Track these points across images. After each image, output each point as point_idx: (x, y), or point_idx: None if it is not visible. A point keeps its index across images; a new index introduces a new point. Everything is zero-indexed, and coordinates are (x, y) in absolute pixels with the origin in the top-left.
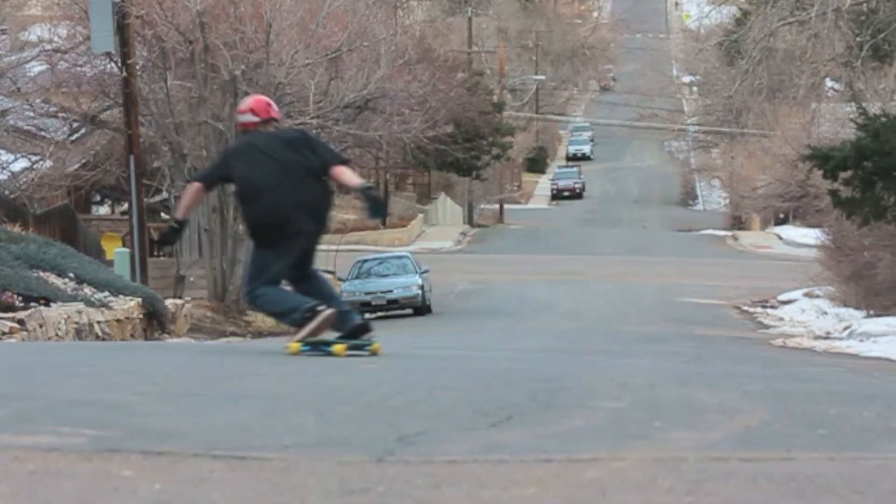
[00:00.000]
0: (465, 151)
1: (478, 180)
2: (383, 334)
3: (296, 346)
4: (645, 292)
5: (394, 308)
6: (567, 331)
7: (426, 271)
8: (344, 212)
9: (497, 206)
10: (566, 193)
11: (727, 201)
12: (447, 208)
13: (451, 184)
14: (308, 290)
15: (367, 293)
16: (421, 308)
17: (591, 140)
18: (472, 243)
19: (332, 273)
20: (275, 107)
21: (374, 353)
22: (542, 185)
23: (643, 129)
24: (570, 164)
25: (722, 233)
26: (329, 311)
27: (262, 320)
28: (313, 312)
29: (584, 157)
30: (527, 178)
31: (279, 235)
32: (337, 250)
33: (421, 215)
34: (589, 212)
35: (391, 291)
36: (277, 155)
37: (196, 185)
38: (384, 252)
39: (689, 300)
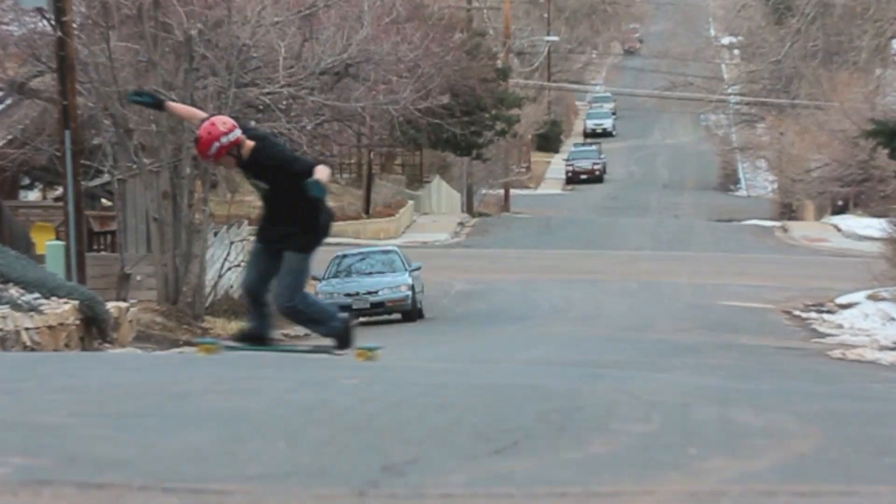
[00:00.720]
0: (463, 127)
1: (479, 161)
2: (364, 344)
3: (362, 355)
4: (677, 294)
5: (379, 312)
6: (584, 340)
7: (417, 269)
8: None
9: (501, 192)
10: (584, 176)
11: (775, 186)
12: (442, 194)
13: (446, 165)
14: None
15: (347, 294)
16: (411, 312)
17: (613, 113)
18: (472, 236)
19: None
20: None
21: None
22: (556, 166)
23: (675, 99)
24: (589, 141)
25: (769, 223)
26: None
27: (221, 327)
28: (350, 318)
29: (605, 134)
30: (537, 158)
31: (322, 240)
32: None
33: (411, 202)
34: (610, 198)
35: (376, 293)
36: None
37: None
38: (367, 246)
39: (731, 304)
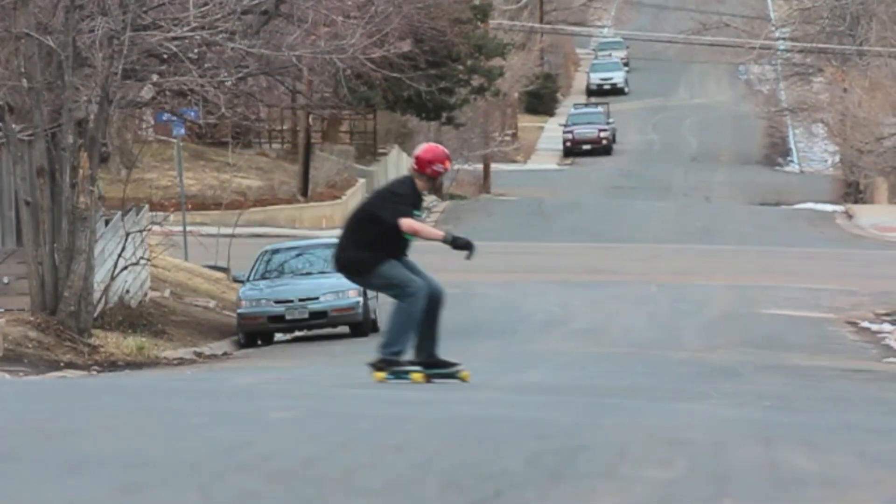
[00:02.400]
0: (430, 82)
1: (450, 127)
2: (302, 365)
3: (420, 376)
4: (709, 300)
5: (320, 324)
6: (587, 359)
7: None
8: (244, 175)
9: (480, 168)
10: (586, 147)
11: (836, 159)
12: (403, 170)
13: (408, 133)
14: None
15: (277, 302)
16: (362, 325)
17: (626, 65)
18: (442, 223)
19: (225, 270)
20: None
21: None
22: (550, 134)
23: (706, 46)
24: (593, 101)
25: (829, 207)
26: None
27: (114, 344)
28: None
29: (615, 91)
30: (526, 122)
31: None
32: (232, 235)
33: (362, 181)
34: (622, 175)
35: (316, 299)
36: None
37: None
38: (305, 238)
39: (778, 312)
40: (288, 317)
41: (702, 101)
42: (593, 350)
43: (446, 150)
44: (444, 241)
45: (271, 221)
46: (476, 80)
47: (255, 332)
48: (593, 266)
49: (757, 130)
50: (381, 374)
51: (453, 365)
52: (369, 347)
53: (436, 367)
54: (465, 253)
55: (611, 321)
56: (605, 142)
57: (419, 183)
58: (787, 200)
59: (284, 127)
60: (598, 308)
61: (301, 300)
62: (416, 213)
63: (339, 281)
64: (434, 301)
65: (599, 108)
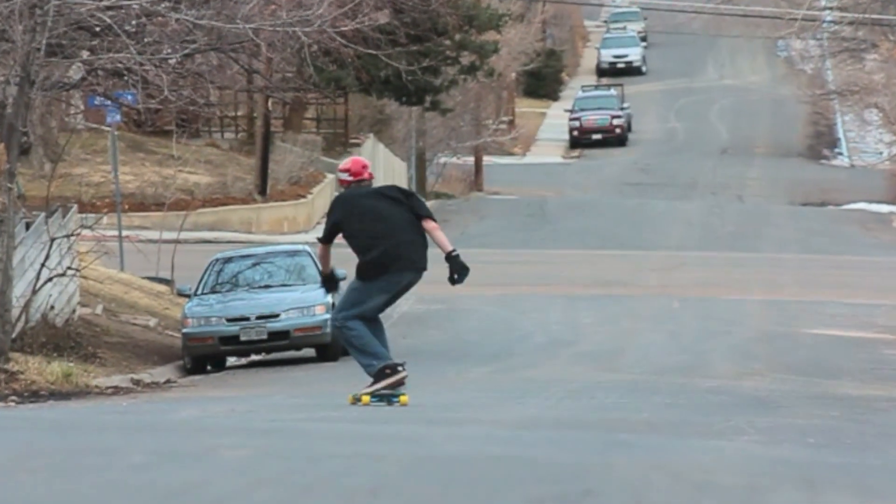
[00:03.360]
0: (411, 60)
1: (435, 113)
2: (259, 394)
3: (367, 398)
4: (741, 318)
5: (281, 346)
6: (598, 388)
7: (339, 279)
8: (191, 170)
9: (471, 161)
10: (597, 136)
11: (894, 150)
12: (379, 163)
13: (385, 120)
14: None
15: (230, 320)
16: (330, 347)
17: (643, 39)
18: None
19: (168, 283)
20: (369, 169)
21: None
22: (554, 121)
23: (738, 17)
24: (605, 82)
25: (885, 208)
26: (405, 374)
27: (36, 370)
28: (393, 370)
29: (631, 71)
30: (525, 108)
31: (385, 272)
32: (177, 241)
33: (331, 176)
34: (639, 170)
35: (276, 316)
36: (383, 209)
37: (322, 246)
38: (263, 244)
39: (824, 332)
40: (243, 337)
41: (733, 83)
42: (604, 377)
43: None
44: (452, 254)
45: (223, 225)
46: (466, 58)
47: (204, 356)
48: (604, 277)
49: (799, 117)
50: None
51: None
52: (340, 374)
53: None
54: (456, 276)
55: (625, 343)
56: (618, 130)
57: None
58: (834, 200)
59: (239, 113)
60: (609, 327)
61: (258, 318)
62: None
63: (305, 295)
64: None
65: (612, 91)
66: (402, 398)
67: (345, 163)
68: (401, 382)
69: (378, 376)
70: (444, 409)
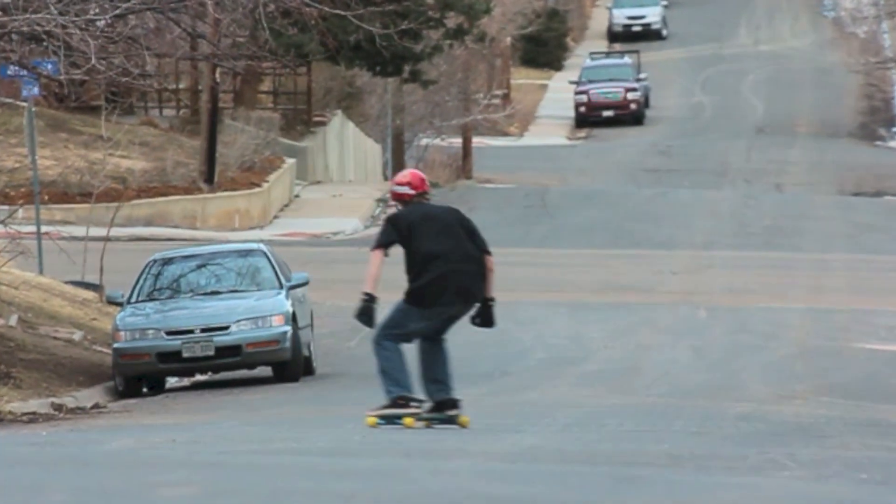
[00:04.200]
0: (386, 22)
1: (415, 85)
2: (205, 421)
3: (373, 420)
4: (780, 330)
5: (231, 364)
6: (609, 413)
7: (301, 284)
8: (124, 153)
9: (459, 142)
10: (608, 113)
11: None
12: (348, 146)
13: (356, 93)
14: (430, 360)
15: (171, 333)
16: (291, 365)
17: None
18: None
19: (96, 288)
20: (428, 182)
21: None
22: (557, 94)
23: None
24: (618, 49)
25: None
26: (413, 412)
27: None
28: (405, 405)
29: (649, 34)
30: (523, 79)
31: (434, 301)
32: (106, 238)
33: (291, 162)
34: (658, 153)
35: (225, 329)
36: (449, 230)
37: (378, 252)
38: (210, 242)
39: (879, 347)
40: (186, 354)
41: (771, 49)
42: (616, 401)
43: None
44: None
45: (162, 219)
46: (452, 20)
47: (140, 376)
48: (617, 282)
49: (849, 90)
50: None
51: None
52: (301, 396)
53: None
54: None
55: (641, 360)
56: (633, 106)
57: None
58: (891, 189)
59: (181, 86)
60: (623, 341)
61: (204, 330)
62: None
63: (260, 303)
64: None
65: (626, 59)
66: (463, 419)
67: (402, 175)
68: (407, 416)
69: (391, 402)
70: (426, 438)
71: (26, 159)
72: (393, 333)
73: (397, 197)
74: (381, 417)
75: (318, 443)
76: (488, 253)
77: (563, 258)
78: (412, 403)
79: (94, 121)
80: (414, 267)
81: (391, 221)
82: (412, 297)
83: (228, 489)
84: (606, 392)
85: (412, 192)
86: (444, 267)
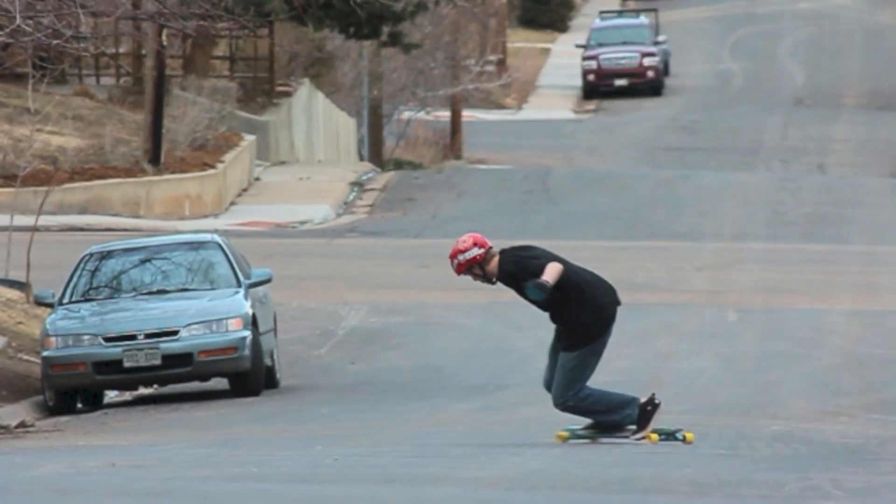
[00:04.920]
0: None
1: (395, 49)
2: (150, 442)
3: (654, 436)
4: (823, 336)
5: (181, 375)
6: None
7: (262, 282)
8: (55, 129)
9: (447, 116)
10: (621, 82)
11: None
12: (318, 121)
13: (326, 59)
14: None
15: (109, 339)
16: (249, 376)
17: None
18: (381, 210)
19: (22, 286)
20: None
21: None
22: (561, 60)
23: None
24: (631, 8)
25: None
26: (660, 401)
27: None
28: (653, 404)
29: None
30: (521, 42)
31: (603, 330)
32: (34, 228)
33: (251, 138)
34: (679, 128)
35: (174, 334)
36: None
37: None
38: (156, 233)
39: None
40: (127, 363)
41: (812, 6)
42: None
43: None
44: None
45: (100, 206)
46: None
47: (74, 389)
48: (631, 279)
49: None
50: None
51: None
52: (261, 412)
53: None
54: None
55: (661, 370)
56: (650, 74)
57: None
58: None
59: (122, 50)
60: (639, 348)
61: (149, 336)
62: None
63: (214, 304)
64: None
65: (642, 19)
66: (688, 435)
67: (463, 242)
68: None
69: (642, 419)
70: (410, 461)
71: None
72: (585, 381)
73: (470, 263)
74: (658, 433)
75: (282, 467)
76: None
77: (568, 251)
78: (655, 400)
79: (20, 91)
80: (575, 299)
81: (526, 265)
82: (585, 334)
83: None
84: None
85: (482, 250)
86: (605, 297)
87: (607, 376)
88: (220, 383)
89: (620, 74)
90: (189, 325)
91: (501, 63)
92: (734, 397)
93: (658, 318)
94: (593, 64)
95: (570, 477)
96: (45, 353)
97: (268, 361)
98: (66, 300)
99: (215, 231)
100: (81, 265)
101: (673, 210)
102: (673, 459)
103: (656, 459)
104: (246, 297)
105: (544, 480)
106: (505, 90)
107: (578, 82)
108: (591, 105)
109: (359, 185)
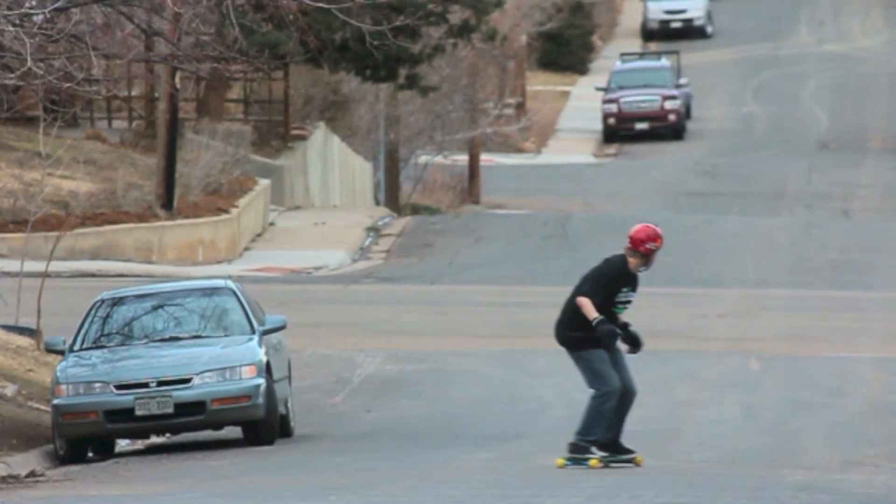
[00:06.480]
0: (379, 17)
1: (412, 92)
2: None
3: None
4: (849, 384)
5: (194, 424)
6: (644, 481)
7: (277, 329)
8: (66, 174)
9: (465, 160)
10: (642, 126)
11: None
12: (333, 165)
13: (342, 102)
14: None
15: (121, 387)
16: (263, 425)
17: None
18: (398, 256)
19: (32, 333)
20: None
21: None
22: (581, 103)
23: None
24: (653, 50)
25: None
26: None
27: None
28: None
29: (691, 31)
30: (541, 85)
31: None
32: (45, 274)
33: (265, 183)
34: (701, 172)
35: (186, 382)
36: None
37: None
38: (168, 279)
39: None
40: (139, 411)
41: (837, 49)
42: (653, 466)
43: (659, 230)
44: (592, 323)
45: (112, 251)
46: (457, 14)
47: (85, 438)
48: (651, 326)
49: None
50: (562, 461)
51: (630, 452)
52: (276, 462)
53: (616, 454)
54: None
55: (682, 419)
56: (672, 117)
57: (632, 261)
58: None
59: (134, 93)
60: (659, 397)
61: (161, 384)
62: (625, 289)
63: (227, 351)
64: (625, 399)
65: (664, 62)
66: (592, 461)
67: (656, 232)
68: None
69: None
70: None
71: None
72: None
73: (647, 252)
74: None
75: None
76: (577, 293)
77: None
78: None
79: (31, 134)
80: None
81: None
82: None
83: None
84: (641, 456)
85: (655, 248)
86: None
87: (627, 425)
88: (233, 432)
89: (641, 118)
90: (202, 372)
91: (520, 106)
92: (756, 446)
93: (679, 366)
94: (614, 107)
95: None
96: (55, 401)
97: (282, 410)
98: (77, 347)
99: (229, 277)
100: (93, 312)
101: (695, 256)
102: None
103: None
104: (260, 344)
105: None
106: (524, 134)
107: (599, 126)
108: (612, 149)
109: (375, 231)
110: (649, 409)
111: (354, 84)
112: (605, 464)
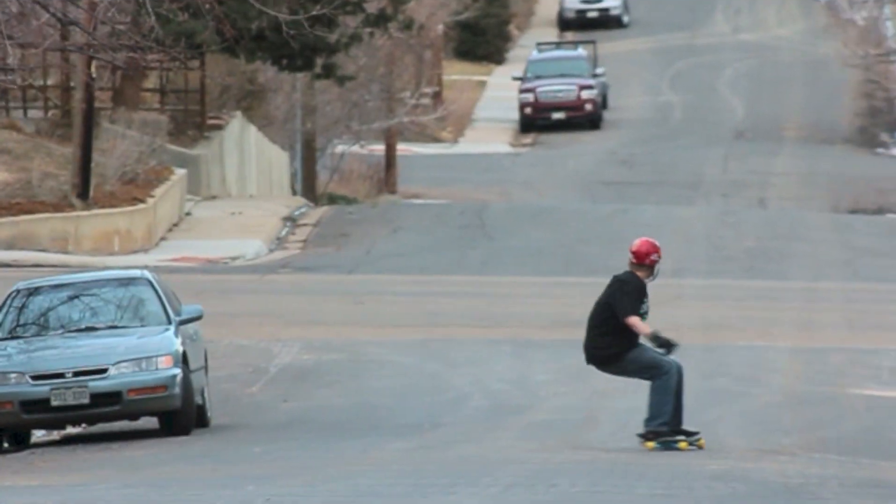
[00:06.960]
0: (295, 7)
1: (329, 81)
2: (79, 483)
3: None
4: (763, 373)
5: (109, 414)
6: (561, 470)
7: (193, 319)
8: None
9: (381, 150)
10: (559, 115)
11: None
12: (250, 155)
13: (259, 92)
14: None
15: (37, 378)
16: (180, 415)
17: None
18: (315, 246)
19: None
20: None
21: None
22: (498, 93)
23: None
24: (569, 39)
25: None
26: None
27: None
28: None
29: (607, 21)
30: (457, 75)
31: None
32: None
33: (182, 172)
34: (618, 162)
35: (103, 372)
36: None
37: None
38: (84, 269)
39: (881, 393)
40: (55, 402)
41: (753, 38)
42: (569, 456)
43: (656, 242)
44: (649, 337)
45: (27, 241)
46: (373, 4)
47: (0, 428)
48: (568, 316)
49: (846, 87)
50: (651, 444)
51: (694, 434)
52: (193, 452)
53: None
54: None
55: (598, 408)
56: (589, 107)
57: (641, 274)
58: (895, 205)
59: (50, 83)
60: (575, 386)
61: (77, 374)
62: (645, 300)
63: (144, 341)
64: (680, 377)
65: (580, 51)
66: (681, 444)
67: (654, 244)
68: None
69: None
70: (343, 501)
71: None
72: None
73: (652, 264)
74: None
75: None
76: (621, 316)
77: (504, 288)
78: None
79: None
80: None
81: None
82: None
83: None
84: (557, 446)
85: (658, 258)
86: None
87: (543, 414)
88: (149, 422)
89: (558, 107)
90: (118, 362)
91: (437, 95)
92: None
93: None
94: (530, 97)
95: None
96: None
97: (198, 400)
98: None
99: (145, 267)
100: (8, 302)
101: (611, 245)
102: (610, 499)
103: (593, 499)
104: (176, 334)
105: None
106: (441, 123)
107: (515, 115)
108: (529, 138)
109: (292, 221)
110: (566, 399)
111: (271, 73)
112: (689, 444)
